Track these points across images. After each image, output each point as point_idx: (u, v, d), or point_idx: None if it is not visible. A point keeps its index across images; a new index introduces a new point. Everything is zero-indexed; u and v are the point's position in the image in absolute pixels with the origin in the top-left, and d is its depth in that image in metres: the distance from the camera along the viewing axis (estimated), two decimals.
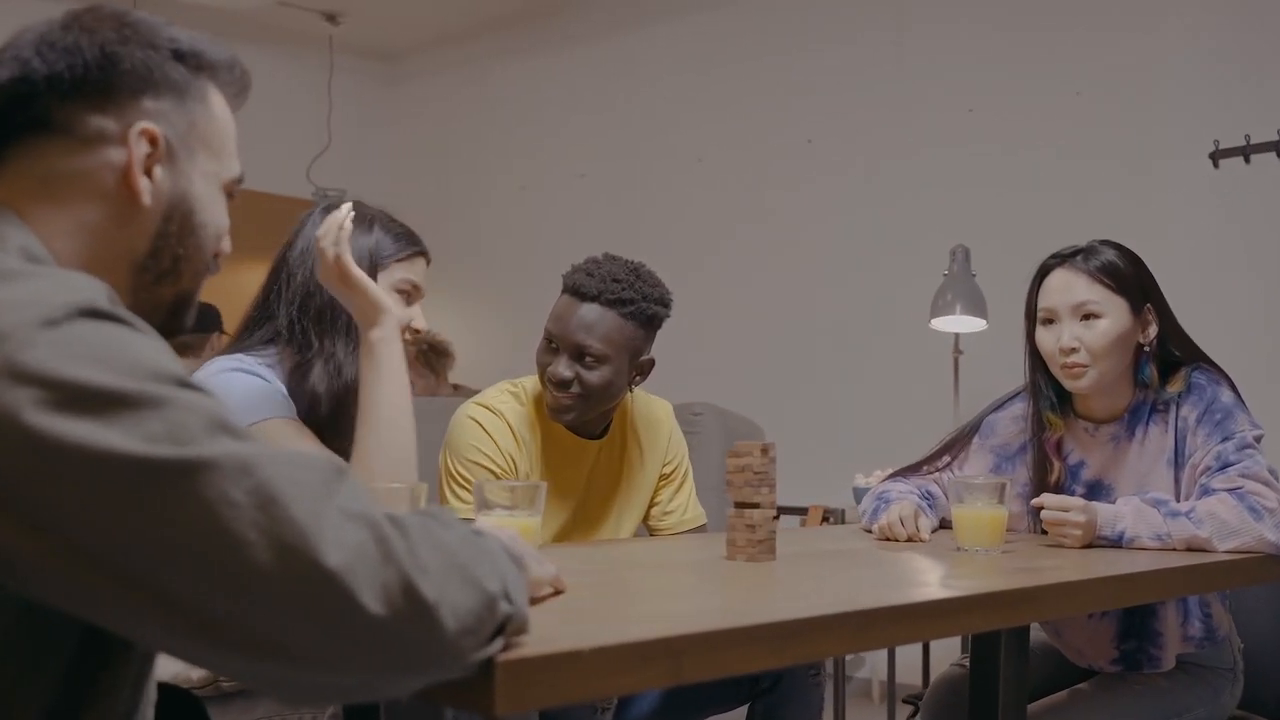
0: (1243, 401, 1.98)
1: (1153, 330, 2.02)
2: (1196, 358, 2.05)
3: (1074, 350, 1.98)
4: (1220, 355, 2.07)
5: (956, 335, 4.01)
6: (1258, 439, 1.93)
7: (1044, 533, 1.93)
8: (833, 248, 4.84)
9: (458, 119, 6.32)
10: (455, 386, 5.23)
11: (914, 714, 3.66)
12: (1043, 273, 2.07)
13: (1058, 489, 2.04)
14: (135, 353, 0.82)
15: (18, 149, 0.99)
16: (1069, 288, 2.01)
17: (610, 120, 5.66)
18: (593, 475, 2.18)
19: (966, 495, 1.81)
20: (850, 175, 4.82)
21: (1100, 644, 2.01)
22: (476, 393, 2.21)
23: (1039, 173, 4.31)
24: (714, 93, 5.25)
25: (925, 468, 2.21)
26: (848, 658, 4.10)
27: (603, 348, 2.01)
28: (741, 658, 1.05)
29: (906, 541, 1.98)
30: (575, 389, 2.03)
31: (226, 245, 1.10)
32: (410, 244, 1.84)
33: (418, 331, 1.80)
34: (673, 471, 2.26)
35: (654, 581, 1.58)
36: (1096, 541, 1.87)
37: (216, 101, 1.08)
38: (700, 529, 2.29)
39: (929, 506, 2.12)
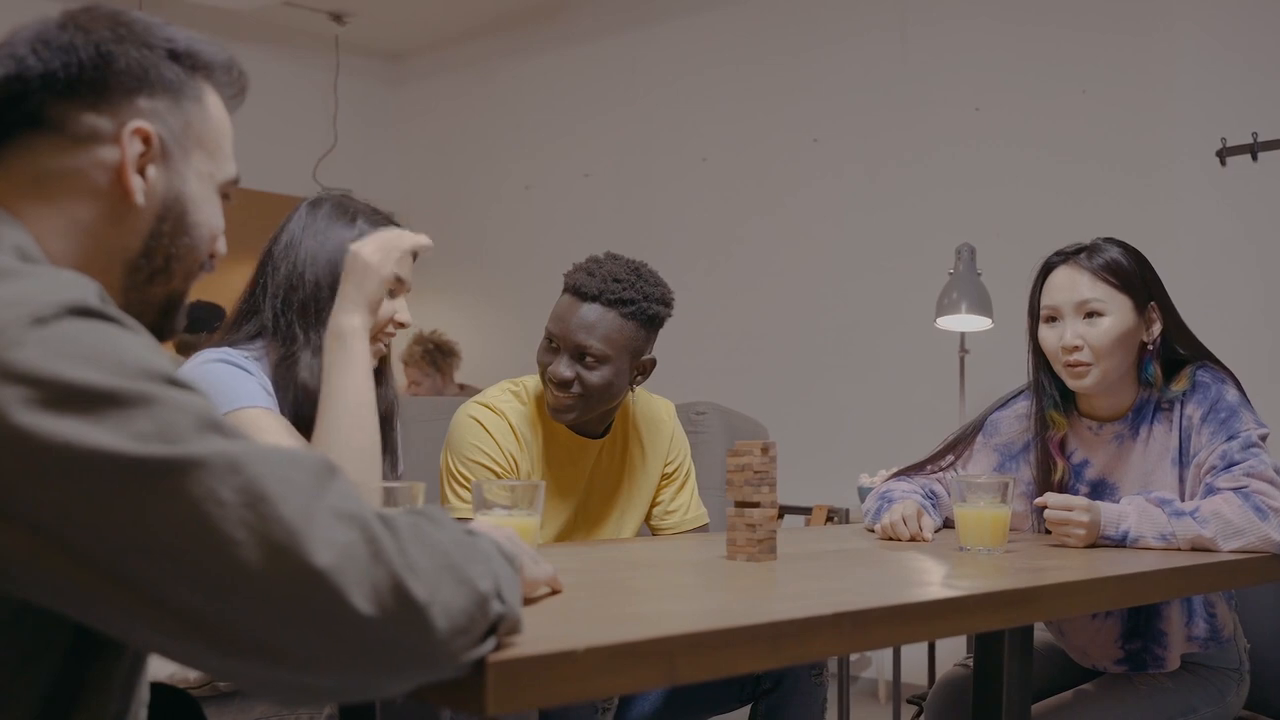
0: (1248, 400, 1.97)
1: (1157, 328, 2.01)
2: (1201, 356, 2.03)
3: (1077, 348, 1.97)
4: (1225, 353, 2.06)
5: (962, 334, 4.00)
6: (1263, 438, 1.91)
7: (1047, 532, 1.93)
8: (838, 247, 4.83)
9: (464, 119, 6.33)
10: (461, 386, 5.24)
11: (918, 714, 3.65)
12: (1046, 270, 2.06)
13: (1061, 488, 2.03)
14: (125, 351, 0.82)
15: (12, 147, 0.99)
16: (1072, 285, 2.00)
17: (616, 120, 5.66)
18: (594, 475, 2.17)
19: (969, 494, 1.80)
20: (855, 174, 4.80)
21: (1104, 644, 2.00)
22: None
23: (1045, 171, 4.29)
24: (719, 92, 5.25)
25: (929, 467, 2.21)
26: (853, 658, 4.09)
27: (603, 348, 2.01)
28: (737, 658, 1.05)
29: (909, 541, 1.97)
30: (576, 389, 2.03)
31: (221, 246, 1.10)
32: None
33: (402, 325, 1.80)
34: (674, 471, 2.26)
35: (652, 581, 1.57)
36: (1100, 541, 1.86)
37: (213, 102, 1.08)
38: (703, 529, 2.29)
39: (932, 506, 2.11)
